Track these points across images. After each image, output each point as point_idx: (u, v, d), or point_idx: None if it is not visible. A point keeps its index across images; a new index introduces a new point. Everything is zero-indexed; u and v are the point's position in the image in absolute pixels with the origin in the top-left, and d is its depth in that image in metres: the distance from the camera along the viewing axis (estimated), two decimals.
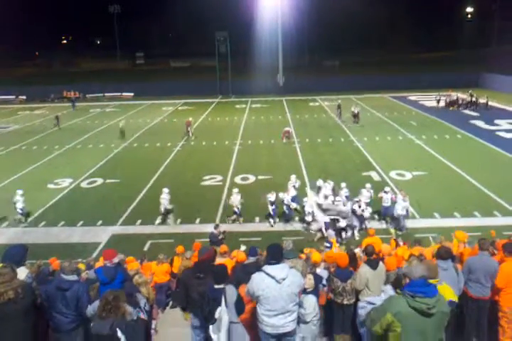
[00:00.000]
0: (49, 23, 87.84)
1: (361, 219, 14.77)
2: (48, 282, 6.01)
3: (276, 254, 4.86)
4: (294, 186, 16.69)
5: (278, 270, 4.67)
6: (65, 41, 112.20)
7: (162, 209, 16.15)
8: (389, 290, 4.94)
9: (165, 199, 16.11)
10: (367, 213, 14.81)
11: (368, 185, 16.09)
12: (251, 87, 47.62)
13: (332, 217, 14.52)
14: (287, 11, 52.52)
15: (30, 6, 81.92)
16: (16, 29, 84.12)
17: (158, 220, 16.37)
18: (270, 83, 49.67)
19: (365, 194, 15.56)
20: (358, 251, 8.95)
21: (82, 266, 9.90)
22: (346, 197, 15.52)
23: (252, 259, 7.61)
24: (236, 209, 15.89)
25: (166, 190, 16.36)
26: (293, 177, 17.29)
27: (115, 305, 4.57)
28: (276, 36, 50.46)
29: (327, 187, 15.74)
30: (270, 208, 15.72)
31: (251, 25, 59.74)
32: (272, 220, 15.71)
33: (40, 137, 30.89)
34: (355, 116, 32.01)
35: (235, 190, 16.26)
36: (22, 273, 5.28)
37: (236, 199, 15.90)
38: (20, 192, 16.73)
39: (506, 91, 42.38)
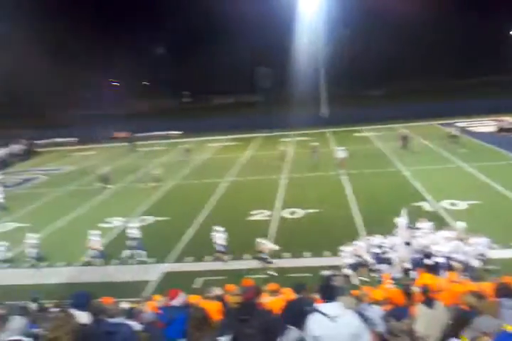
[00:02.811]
0: (96, 67, 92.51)
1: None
2: (94, 326, 6.02)
3: (328, 292, 4.77)
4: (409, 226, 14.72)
5: (331, 308, 4.56)
6: (117, 83, 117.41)
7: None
8: None
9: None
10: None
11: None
12: (295, 120, 47.91)
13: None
14: (329, 42, 53.17)
15: (80, 50, 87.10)
16: (67, 72, 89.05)
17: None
18: (314, 115, 49.89)
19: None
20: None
21: (132, 306, 9.93)
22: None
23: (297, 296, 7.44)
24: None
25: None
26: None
27: (207, 322, 4.50)
28: (318, 68, 51.06)
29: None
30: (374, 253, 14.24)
31: (292, 58, 60.72)
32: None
33: (91, 177, 31.96)
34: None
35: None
36: (83, 317, 5.36)
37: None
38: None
39: None
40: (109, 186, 27.98)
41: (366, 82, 75.66)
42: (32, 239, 17.42)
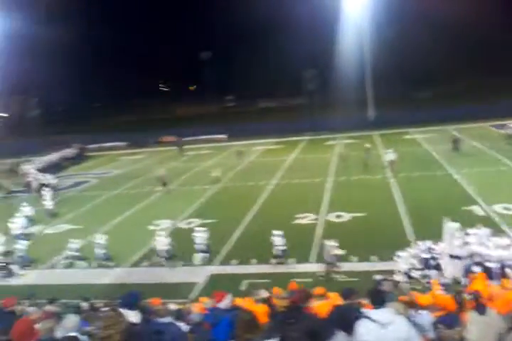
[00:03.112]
0: (146, 73, 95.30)
1: None
2: (143, 326, 6.14)
3: (377, 298, 4.71)
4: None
5: (381, 314, 4.50)
6: (163, 89, 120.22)
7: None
8: None
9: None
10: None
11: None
12: (340, 123, 47.45)
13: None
14: (375, 43, 52.31)
15: (126, 57, 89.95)
16: (115, 79, 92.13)
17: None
18: (360, 118, 49.24)
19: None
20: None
21: (179, 307, 10.07)
22: None
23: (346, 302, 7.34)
24: None
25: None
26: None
27: (255, 324, 4.56)
28: (365, 70, 50.40)
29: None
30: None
31: (338, 60, 60.18)
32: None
33: (140, 180, 32.71)
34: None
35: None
36: (134, 316, 5.49)
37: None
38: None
39: None
40: (168, 188, 28.57)
41: (414, 84, 74.10)
42: (100, 239, 17.84)
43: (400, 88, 73.06)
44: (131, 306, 5.55)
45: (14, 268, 17.58)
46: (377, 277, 12.87)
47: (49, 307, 10.10)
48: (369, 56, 49.99)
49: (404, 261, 13.99)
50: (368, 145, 31.53)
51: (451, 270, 13.20)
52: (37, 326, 5.64)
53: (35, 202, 26.81)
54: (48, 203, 25.56)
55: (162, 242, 17.22)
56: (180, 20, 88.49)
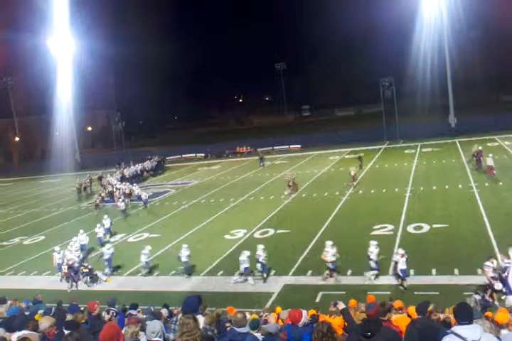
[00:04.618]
0: (223, 85, 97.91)
1: None
2: (222, 335, 6.22)
3: (465, 313, 4.49)
4: None
5: (469, 330, 4.27)
6: (240, 100, 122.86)
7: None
8: None
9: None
10: None
11: None
12: (420, 131, 46.01)
13: None
14: (455, 46, 50.34)
15: (204, 70, 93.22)
16: (193, 92, 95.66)
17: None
18: (441, 125, 47.42)
19: None
20: None
21: (255, 317, 10.10)
22: None
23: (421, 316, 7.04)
24: None
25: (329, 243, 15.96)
26: None
27: (331, 337, 4.53)
28: (445, 75, 48.53)
29: None
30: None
31: (416, 66, 58.50)
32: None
33: (216, 191, 33.38)
34: None
35: None
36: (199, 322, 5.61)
37: None
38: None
39: None
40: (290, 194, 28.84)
41: (498, 87, 70.37)
42: (186, 251, 17.99)
43: (483, 92, 69.66)
44: (193, 311, 5.65)
45: (99, 274, 18.44)
46: (475, 294, 12.03)
47: (132, 313, 10.50)
48: (449, 60, 48.04)
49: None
50: (478, 148, 29.68)
51: None
52: (122, 330, 5.88)
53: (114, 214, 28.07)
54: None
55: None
56: (257, 32, 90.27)
